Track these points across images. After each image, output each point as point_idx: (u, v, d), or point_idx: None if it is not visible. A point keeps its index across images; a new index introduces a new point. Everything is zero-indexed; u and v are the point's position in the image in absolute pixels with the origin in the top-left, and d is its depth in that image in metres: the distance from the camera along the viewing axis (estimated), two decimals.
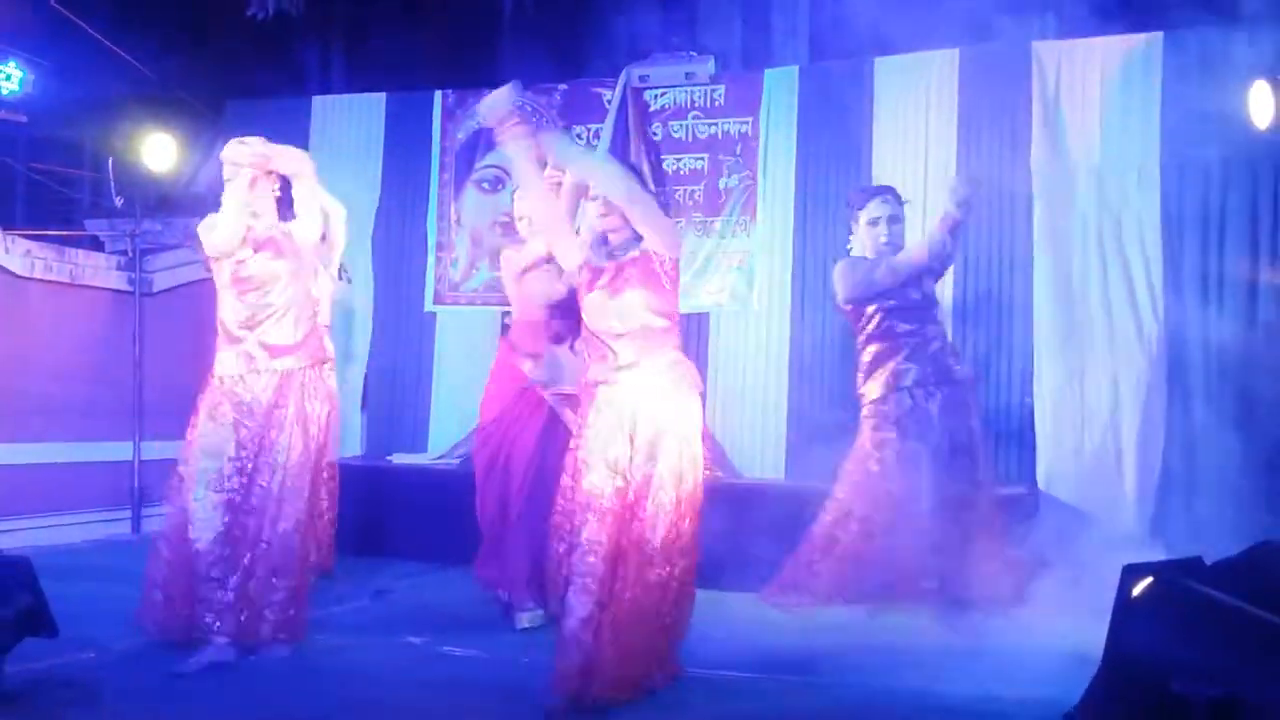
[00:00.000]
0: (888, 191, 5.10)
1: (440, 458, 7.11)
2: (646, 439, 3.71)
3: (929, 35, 6.34)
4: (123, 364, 7.16)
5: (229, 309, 4.38)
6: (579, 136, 7.25)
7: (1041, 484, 6.00)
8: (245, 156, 4.36)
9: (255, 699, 3.74)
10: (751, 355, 6.88)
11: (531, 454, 4.90)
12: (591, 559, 3.63)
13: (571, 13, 7.46)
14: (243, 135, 7.59)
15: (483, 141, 7.64)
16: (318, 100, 7.91)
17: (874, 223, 4.94)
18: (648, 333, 3.79)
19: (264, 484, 4.23)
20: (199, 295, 7.96)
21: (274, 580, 4.21)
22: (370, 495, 6.42)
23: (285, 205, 4.60)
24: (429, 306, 7.67)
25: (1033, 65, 6.24)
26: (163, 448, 7.60)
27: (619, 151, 6.89)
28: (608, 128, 7.09)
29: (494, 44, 7.51)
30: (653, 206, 3.84)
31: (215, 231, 4.37)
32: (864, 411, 4.99)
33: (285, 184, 4.59)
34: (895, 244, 4.94)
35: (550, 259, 4.68)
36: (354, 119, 7.83)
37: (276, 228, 4.48)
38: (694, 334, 7.05)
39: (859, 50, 6.79)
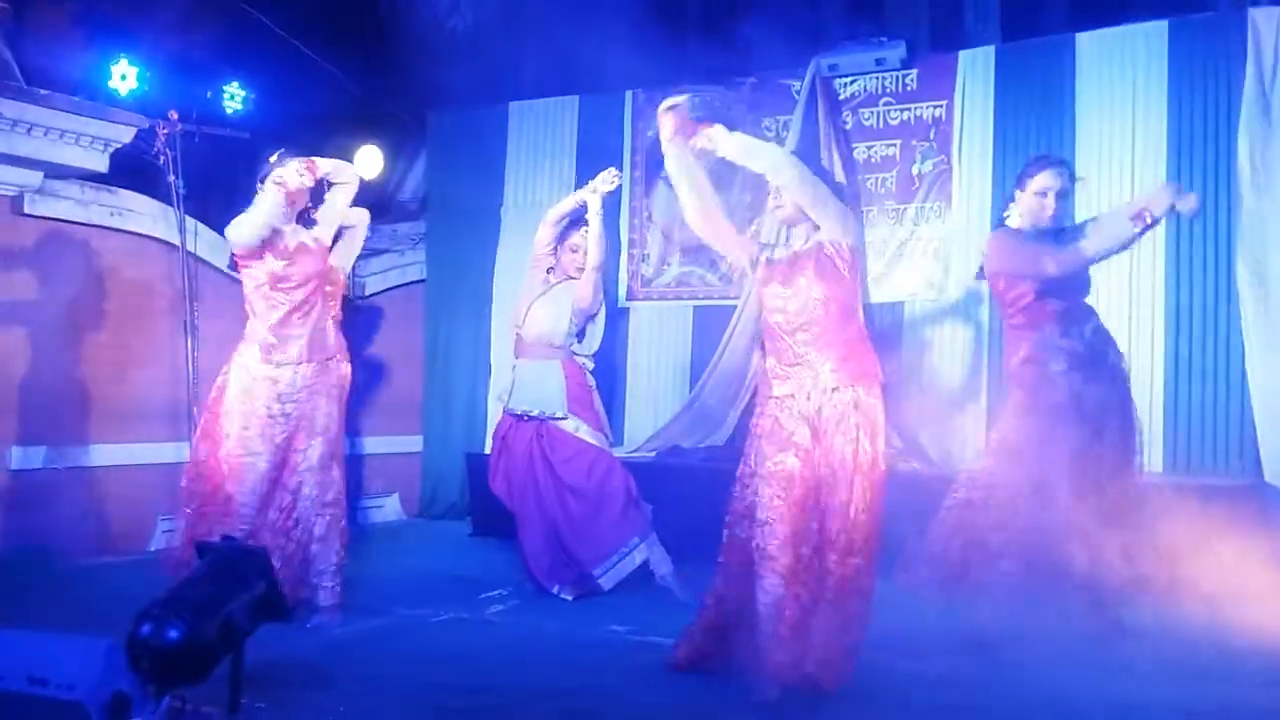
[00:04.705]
0: (1061, 164, 4.72)
1: (635, 451, 7.24)
2: (821, 432, 3.73)
3: (1135, 7, 6.06)
4: None
5: (259, 310, 4.74)
6: (768, 129, 7.24)
7: (1267, 477, 5.67)
8: (293, 181, 4.69)
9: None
10: (947, 344, 6.74)
11: (526, 459, 5.46)
12: (775, 541, 3.68)
13: (759, 5, 7.44)
14: (447, 144, 7.94)
15: None
16: (514, 106, 8.14)
17: (1043, 193, 4.58)
18: (821, 322, 3.80)
19: (295, 466, 4.66)
20: (408, 298, 8.38)
21: (314, 554, 4.63)
22: None
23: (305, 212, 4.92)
24: (622, 302, 7.80)
25: (1248, 34, 5.90)
26: (375, 443, 8.04)
27: (808, 142, 6.86)
28: (797, 119, 7.05)
29: (682, 41, 7.57)
30: (824, 191, 3.82)
31: (239, 229, 4.71)
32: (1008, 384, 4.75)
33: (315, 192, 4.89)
34: (1060, 219, 4.62)
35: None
36: (549, 122, 8.03)
37: (301, 234, 4.81)
38: (888, 323, 6.96)
39: (1058, 26, 6.54)
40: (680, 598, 5.07)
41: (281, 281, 4.73)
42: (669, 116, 3.86)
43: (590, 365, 5.75)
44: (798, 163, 3.87)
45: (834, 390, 3.76)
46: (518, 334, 5.63)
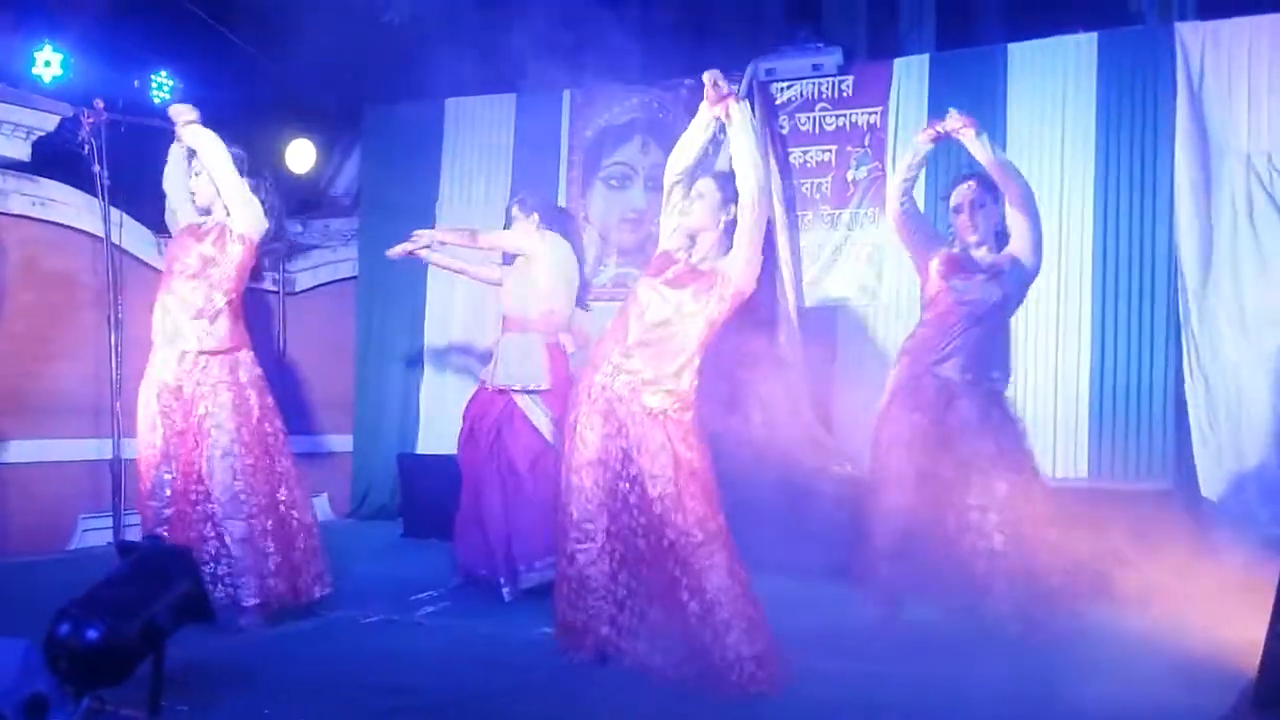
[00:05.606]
0: (967, 178, 4.69)
1: None
2: (632, 435, 3.80)
3: (1065, 19, 6.18)
4: (268, 360, 7.43)
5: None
6: None
7: (1203, 492, 5.82)
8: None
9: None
10: (880, 349, 6.80)
11: (491, 445, 5.33)
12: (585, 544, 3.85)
13: (698, 8, 7.46)
14: (381, 139, 7.80)
15: (609, 139, 7.73)
16: (450, 102, 8.08)
17: (956, 210, 4.61)
18: (667, 341, 3.82)
19: (202, 466, 4.43)
20: (340, 295, 8.28)
21: (236, 556, 4.41)
22: None
23: None
24: None
25: (1176, 48, 6.05)
26: (305, 443, 7.91)
27: None
28: None
29: (621, 41, 7.55)
30: (758, 232, 3.84)
31: None
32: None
33: None
34: (986, 231, 4.58)
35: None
36: (485, 120, 7.99)
37: (203, 219, 4.67)
38: (821, 328, 7.02)
39: (991, 36, 6.64)
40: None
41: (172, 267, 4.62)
42: (710, 86, 3.92)
43: (571, 349, 5.54)
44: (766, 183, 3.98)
45: (646, 414, 3.79)
46: (504, 312, 5.54)
